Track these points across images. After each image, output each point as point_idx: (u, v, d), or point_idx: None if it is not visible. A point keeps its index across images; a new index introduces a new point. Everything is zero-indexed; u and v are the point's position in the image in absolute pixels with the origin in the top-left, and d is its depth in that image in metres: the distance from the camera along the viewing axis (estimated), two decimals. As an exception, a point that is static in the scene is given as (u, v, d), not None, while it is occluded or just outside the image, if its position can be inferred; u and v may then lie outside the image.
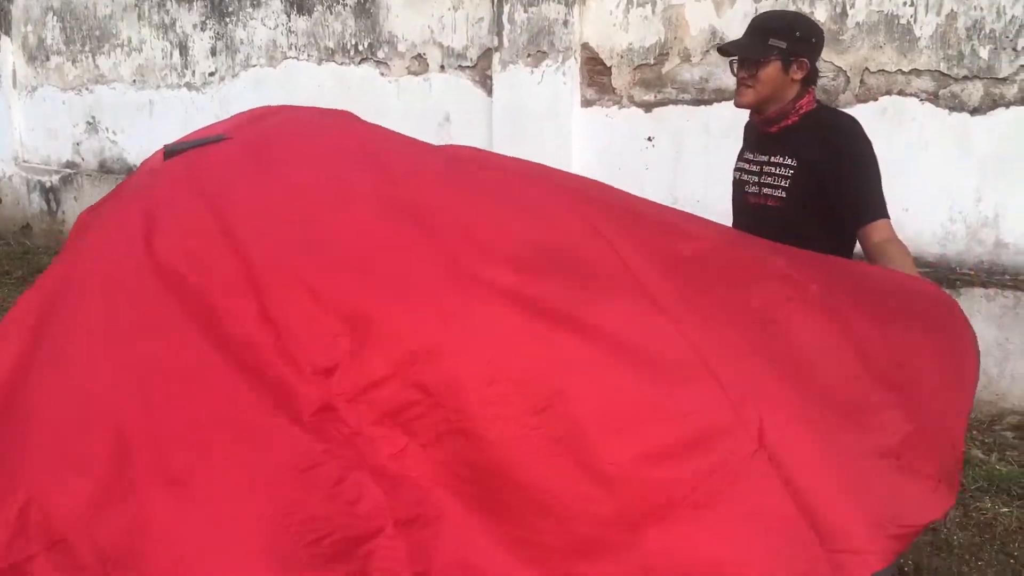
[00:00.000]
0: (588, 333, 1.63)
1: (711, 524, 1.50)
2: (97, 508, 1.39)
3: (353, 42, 6.05)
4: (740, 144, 4.63)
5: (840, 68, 4.39)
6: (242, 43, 6.60)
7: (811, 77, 2.59)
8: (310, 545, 1.38)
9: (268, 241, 1.63)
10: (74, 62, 7.67)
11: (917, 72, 4.22)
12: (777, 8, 4.45)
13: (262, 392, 1.48)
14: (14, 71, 8.06)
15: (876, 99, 4.33)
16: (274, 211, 1.70)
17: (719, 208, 4.68)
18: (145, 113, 7.24)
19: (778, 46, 2.52)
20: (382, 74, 5.95)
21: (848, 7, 4.33)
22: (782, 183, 2.57)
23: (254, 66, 6.56)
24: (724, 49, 2.64)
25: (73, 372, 1.52)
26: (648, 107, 4.97)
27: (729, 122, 4.70)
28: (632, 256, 1.78)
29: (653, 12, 4.89)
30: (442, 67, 5.71)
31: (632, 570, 1.47)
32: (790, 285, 1.90)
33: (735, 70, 2.62)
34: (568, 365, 1.58)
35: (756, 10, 4.57)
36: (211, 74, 6.81)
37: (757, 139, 2.69)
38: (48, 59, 7.86)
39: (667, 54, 4.89)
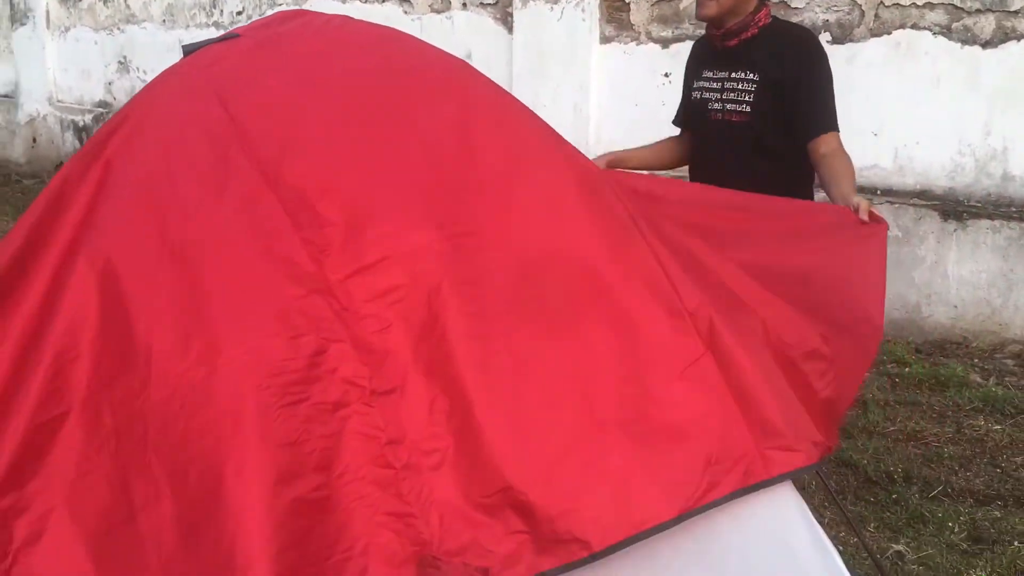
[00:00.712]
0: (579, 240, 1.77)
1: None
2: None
3: (377, -20, 6.14)
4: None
5: (855, 2, 4.44)
6: (269, -18, 6.71)
7: None
8: (288, 407, 1.50)
9: (269, 135, 1.74)
10: (105, 2, 7.82)
11: (931, 5, 4.26)
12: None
13: (273, 263, 1.62)
14: (47, 11, 8.22)
15: (890, 33, 4.38)
16: (276, 104, 1.80)
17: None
18: (175, 52, 7.33)
19: None
20: (405, 12, 6.05)
21: (864, -59, 4.37)
22: (746, 98, 2.56)
23: (280, 4, 6.67)
24: None
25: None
26: (665, 43, 5.04)
27: (745, 57, 4.79)
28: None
29: (671, -52, 4.94)
30: (464, 4, 5.80)
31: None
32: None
33: None
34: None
35: (773, -55, 4.61)
36: (238, 13, 6.93)
37: (715, 55, 2.66)
38: (80, 0, 8.01)
39: (685, -10, 4.94)
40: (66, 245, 1.65)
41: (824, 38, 4.54)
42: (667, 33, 5.04)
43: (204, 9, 7.13)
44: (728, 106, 2.59)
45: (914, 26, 4.31)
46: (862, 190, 4.49)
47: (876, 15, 4.40)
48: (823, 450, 1.79)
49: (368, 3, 6.20)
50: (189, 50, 1.99)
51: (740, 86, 2.56)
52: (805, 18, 4.57)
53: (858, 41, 4.46)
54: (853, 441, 3.36)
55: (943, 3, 4.23)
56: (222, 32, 6.53)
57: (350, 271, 1.59)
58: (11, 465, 1.47)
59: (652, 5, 5.05)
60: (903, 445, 3.35)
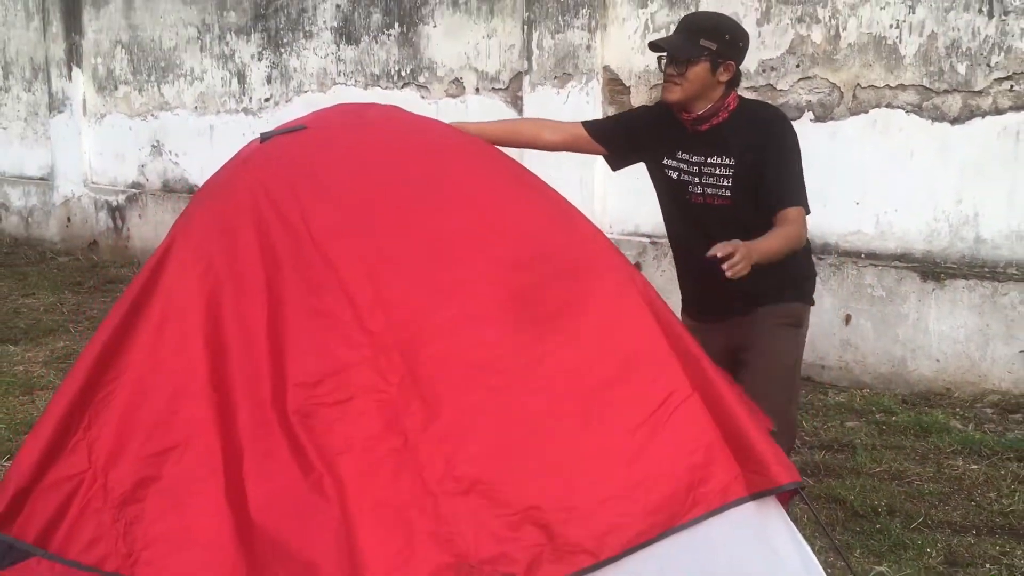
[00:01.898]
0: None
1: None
2: None
3: (397, 68, 6.65)
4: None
5: (834, 84, 4.89)
6: (295, 71, 7.23)
7: (735, 80, 2.67)
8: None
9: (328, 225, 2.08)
10: (140, 91, 8.36)
11: (903, 87, 4.70)
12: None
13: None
14: (84, 100, 8.77)
15: (867, 112, 4.81)
16: (334, 196, 2.17)
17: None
18: (205, 137, 7.88)
19: (708, 47, 2.57)
20: (423, 97, 6.53)
21: (841, 29, 4.84)
22: (725, 183, 2.63)
23: (306, 92, 7.18)
24: (655, 45, 2.65)
25: None
26: (663, 123, 5.49)
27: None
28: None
29: (667, 37, 5.41)
30: (477, 89, 6.29)
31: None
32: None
33: (663, 66, 2.65)
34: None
35: (759, 34, 5.09)
36: (266, 100, 7.44)
37: (687, 139, 2.70)
38: (116, 88, 8.56)
39: (680, 75, 5.40)
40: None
41: (807, 117, 4.99)
42: (665, 114, 5.48)
43: (234, 97, 7.65)
44: (708, 190, 2.68)
45: (888, 105, 4.75)
46: (848, 255, 4.89)
47: (854, 95, 4.84)
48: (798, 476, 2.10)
49: (388, 89, 6.70)
50: (265, 138, 2.39)
51: (718, 171, 2.65)
52: (790, 99, 5.02)
53: (838, 119, 4.89)
54: (842, 480, 3.67)
55: (914, 84, 4.67)
56: (250, 117, 6.95)
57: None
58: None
59: (650, 88, 5.51)
60: (888, 483, 3.66)
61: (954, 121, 4.59)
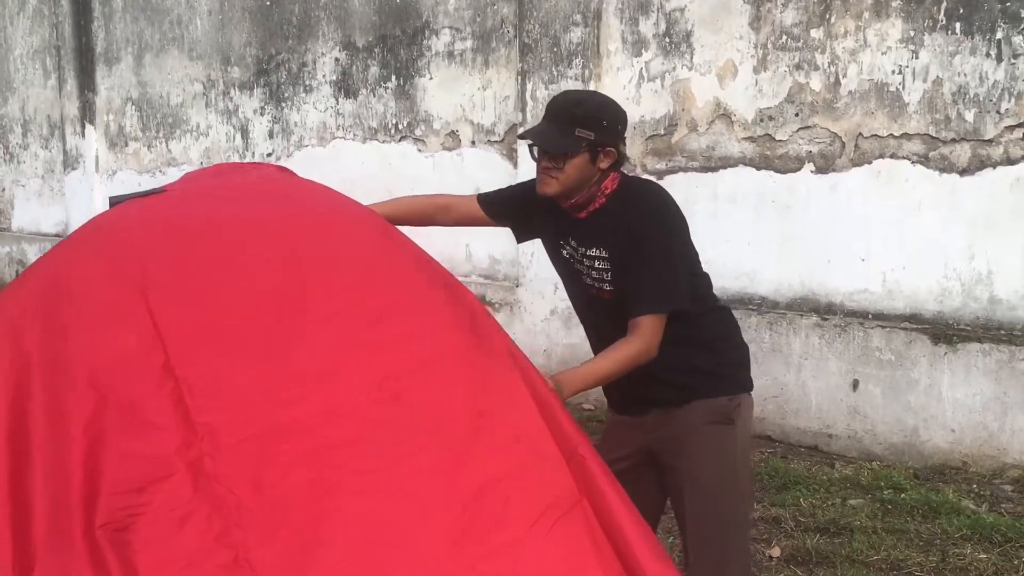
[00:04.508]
0: None
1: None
2: None
3: (394, 121, 6.49)
4: (745, 211, 4.88)
5: (835, 134, 4.59)
6: (296, 125, 7.12)
7: (618, 163, 2.39)
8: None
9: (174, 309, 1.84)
10: (149, 147, 8.34)
11: (908, 136, 4.39)
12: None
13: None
14: (97, 157, 8.78)
15: (870, 162, 4.51)
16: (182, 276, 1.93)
17: (727, 268, 4.90)
18: (210, 192, 7.80)
19: (586, 137, 2.29)
20: (419, 150, 6.36)
21: (841, 76, 4.55)
22: (606, 276, 2.37)
23: (306, 146, 7.06)
24: (525, 136, 2.40)
25: None
26: (660, 175, 5.23)
27: (734, 188, 4.95)
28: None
29: (662, 86, 5.18)
30: (473, 142, 6.10)
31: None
32: None
33: (535, 155, 2.38)
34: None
35: (756, 82, 4.83)
36: (268, 154, 7.34)
37: (572, 225, 2.44)
38: (127, 145, 8.56)
39: (676, 125, 5.16)
40: None
41: (807, 168, 4.70)
42: (661, 166, 5.23)
43: (238, 152, 7.57)
44: (595, 283, 2.40)
45: (893, 155, 4.44)
46: (854, 315, 4.56)
47: (856, 145, 4.54)
48: None
49: (386, 143, 6.54)
50: (114, 202, 2.17)
51: (597, 264, 2.38)
52: (789, 149, 4.73)
53: (840, 171, 4.59)
54: (834, 570, 3.32)
55: (919, 133, 4.36)
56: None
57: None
58: None
59: (646, 139, 5.26)
60: (884, 574, 3.30)
61: (963, 172, 4.27)
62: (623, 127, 2.39)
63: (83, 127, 8.82)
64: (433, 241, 5.97)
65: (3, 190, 10.17)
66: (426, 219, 2.74)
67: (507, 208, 2.65)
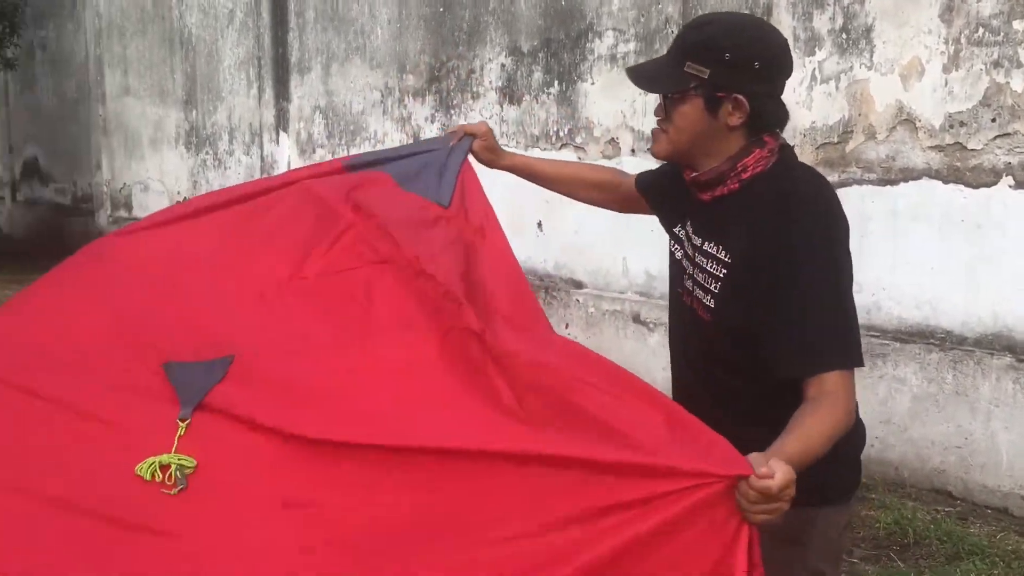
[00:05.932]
0: None
1: None
2: None
3: (555, 128, 6.25)
4: (929, 230, 4.24)
5: (1040, 142, 3.89)
6: (463, 133, 7.03)
7: (760, 121, 1.69)
8: None
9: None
10: (333, 154, 8.55)
11: None
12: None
13: None
14: (289, 163, 9.13)
15: (1083, 176, 3.77)
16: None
17: (905, 296, 4.28)
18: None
19: (696, 74, 1.67)
20: (579, 159, 6.08)
21: (1049, 74, 3.85)
22: (712, 286, 1.73)
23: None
24: (629, 71, 1.84)
25: None
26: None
27: (917, 204, 4.33)
28: None
29: (837, 88, 4.62)
30: (632, 150, 5.75)
31: None
32: None
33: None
34: None
35: (946, 83, 4.19)
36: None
37: (692, 205, 1.83)
38: (314, 152, 8.83)
39: (851, 132, 4.58)
40: None
41: (1006, 183, 4.01)
42: (833, 177, 4.65)
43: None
44: (697, 291, 1.80)
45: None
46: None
47: (1066, 156, 3.82)
48: None
49: (546, 150, 6.31)
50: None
51: (710, 266, 1.74)
52: (983, 161, 4.06)
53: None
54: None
55: None
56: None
57: None
58: None
59: (817, 148, 4.72)
60: None
61: None
62: (767, 66, 1.66)
63: (277, 134, 9.20)
64: (588, 257, 5.69)
65: (213, 194, 10.83)
66: (587, 190, 2.32)
67: (653, 188, 2.10)
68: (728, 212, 1.73)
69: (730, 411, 1.69)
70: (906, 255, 4.38)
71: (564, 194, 2.33)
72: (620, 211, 2.34)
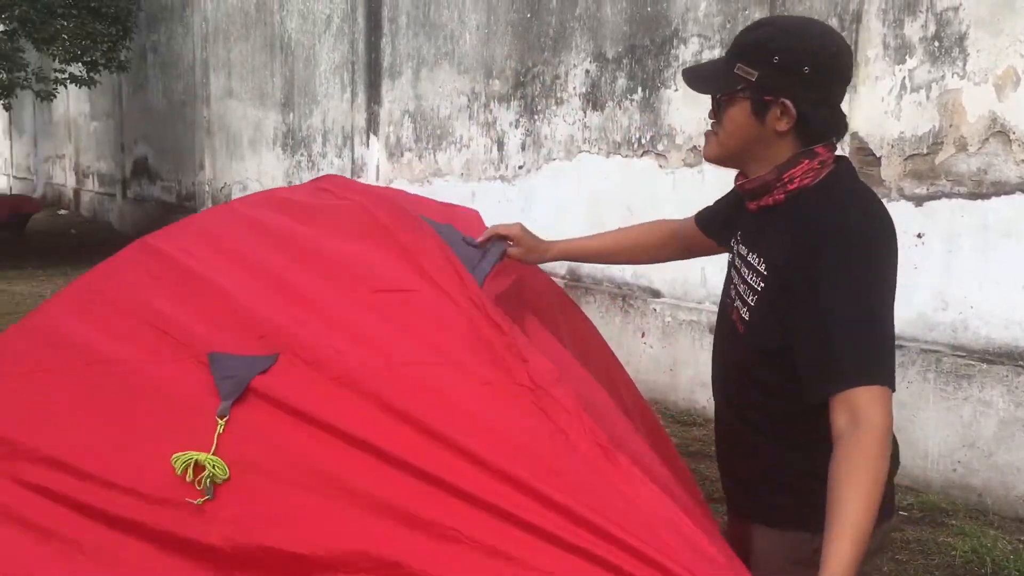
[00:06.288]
0: None
1: None
2: None
3: (637, 135, 6.18)
4: (1021, 247, 4.04)
5: None
6: (546, 138, 7.03)
7: (809, 129, 1.63)
8: None
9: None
10: (420, 158, 8.67)
11: None
12: None
13: None
14: (378, 166, 9.29)
15: None
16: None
17: (995, 315, 4.09)
18: (468, 202, 7.92)
19: (745, 76, 1.62)
20: (660, 166, 6.00)
21: None
22: (748, 299, 1.69)
23: (554, 160, 6.94)
24: (685, 72, 1.80)
25: None
26: (919, 201, 4.49)
27: (1010, 219, 4.14)
28: None
29: (927, 98, 4.44)
30: (714, 159, 5.64)
31: None
32: None
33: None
34: None
35: (1043, 92, 3.98)
36: (520, 167, 7.32)
37: (744, 214, 1.80)
38: (402, 155, 8.96)
39: (941, 143, 4.40)
40: None
41: (1105, 199, 3.79)
42: (921, 190, 4.49)
43: (493, 164, 7.63)
44: (737, 302, 1.74)
45: None
46: None
47: None
48: None
49: (628, 157, 6.25)
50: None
51: (750, 277, 1.69)
52: (1082, 175, 3.84)
53: None
54: None
55: None
56: (504, 185, 6.70)
57: None
58: None
59: (904, 159, 4.54)
60: None
61: None
62: (817, 71, 1.59)
63: (368, 138, 9.37)
64: (666, 266, 5.60)
65: (307, 194, 11.09)
66: (647, 253, 2.23)
67: (715, 219, 2.04)
68: (771, 224, 1.68)
69: (762, 433, 1.68)
70: (996, 272, 4.18)
71: (625, 263, 2.26)
72: (685, 258, 2.26)
